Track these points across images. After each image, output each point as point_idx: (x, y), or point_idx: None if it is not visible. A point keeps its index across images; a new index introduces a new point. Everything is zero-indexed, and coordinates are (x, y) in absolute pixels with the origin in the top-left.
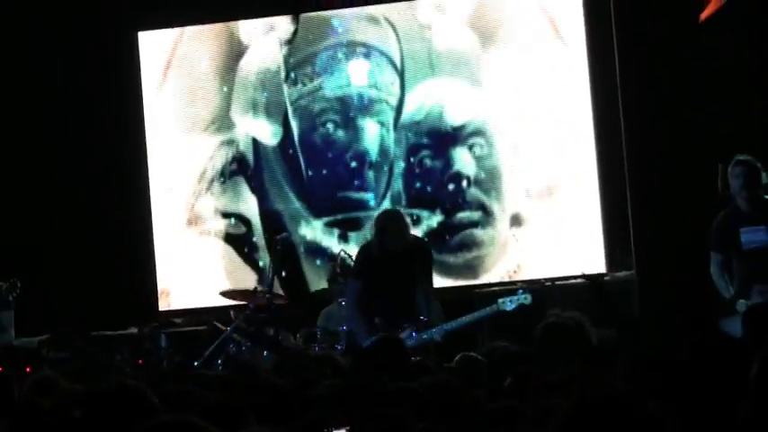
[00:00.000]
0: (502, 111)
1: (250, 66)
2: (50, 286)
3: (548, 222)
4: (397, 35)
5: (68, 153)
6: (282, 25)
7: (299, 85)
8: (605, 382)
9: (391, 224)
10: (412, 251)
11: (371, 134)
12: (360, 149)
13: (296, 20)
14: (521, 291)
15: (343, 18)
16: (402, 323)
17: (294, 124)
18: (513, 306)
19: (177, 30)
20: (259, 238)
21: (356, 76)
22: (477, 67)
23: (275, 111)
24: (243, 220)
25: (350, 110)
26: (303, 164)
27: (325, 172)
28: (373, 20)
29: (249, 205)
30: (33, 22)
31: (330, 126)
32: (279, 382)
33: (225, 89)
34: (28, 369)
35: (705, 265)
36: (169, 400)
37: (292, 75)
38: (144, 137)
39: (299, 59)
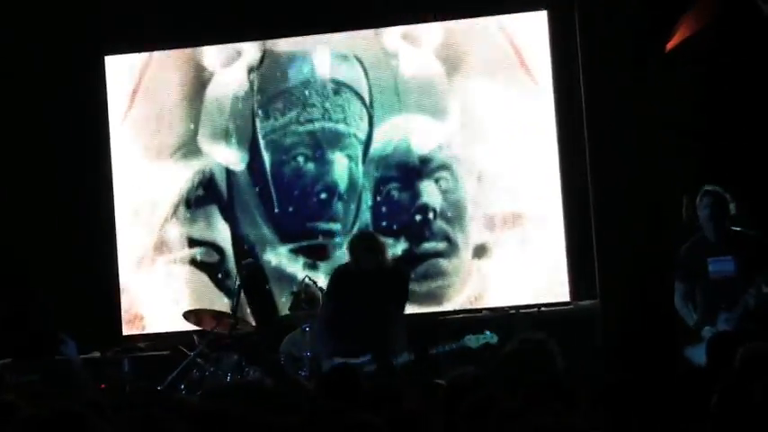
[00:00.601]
0: (467, 142)
1: (217, 92)
2: (12, 309)
3: (512, 251)
4: (365, 71)
5: (31, 178)
6: (250, 52)
7: (271, 120)
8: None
9: (366, 244)
10: (388, 275)
11: (340, 167)
12: (329, 182)
13: (263, 47)
14: (488, 332)
15: (311, 55)
16: (367, 347)
17: (265, 156)
18: (479, 344)
19: (145, 55)
20: (226, 263)
21: (326, 111)
22: (443, 98)
23: (243, 137)
24: (210, 246)
25: (319, 144)
26: (274, 194)
27: (294, 203)
28: (342, 57)
29: (217, 232)
30: None
31: (300, 159)
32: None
33: (192, 116)
34: None
35: (669, 295)
36: (131, 425)
37: (263, 109)
38: (110, 162)
39: (271, 95)
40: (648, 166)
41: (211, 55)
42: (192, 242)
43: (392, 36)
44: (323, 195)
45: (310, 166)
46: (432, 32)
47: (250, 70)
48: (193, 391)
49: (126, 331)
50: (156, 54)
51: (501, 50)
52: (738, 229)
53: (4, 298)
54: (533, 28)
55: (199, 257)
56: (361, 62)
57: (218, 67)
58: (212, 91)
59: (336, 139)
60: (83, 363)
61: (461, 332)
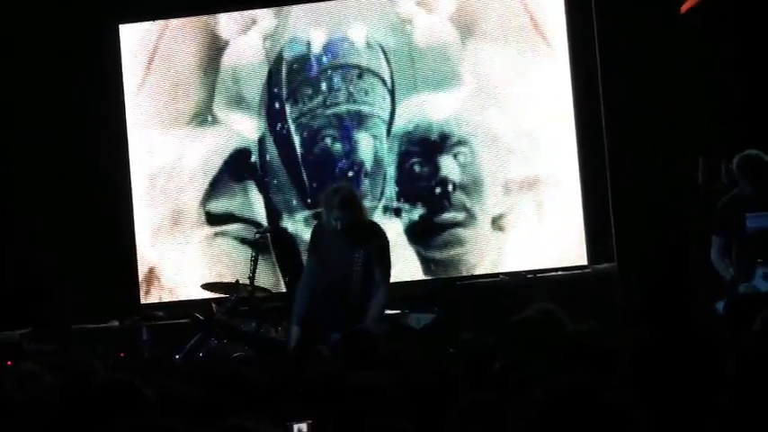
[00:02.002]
0: (482, 108)
1: (233, 61)
2: (30, 280)
3: (529, 216)
4: (386, 57)
5: (48, 147)
6: (265, 19)
7: (300, 105)
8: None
9: (339, 197)
10: (364, 233)
11: (366, 146)
12: (356, 160)
13: (278, 14)
14: (436, 309)
15: (335, 43)
16: (336, 318)
17: (296, 140)
18: (421, 324)
19: (160, 23)
20: (245, 231)
21: (350, 95)
22: (457, 64)
23: (259, 106)
24: (229, 214)
25: (346, 125)
26: (303, 173)
27: (323, 180)
28: (366, 45)
29: (236, 200)
30: (10, 13)
31: (328, 140)
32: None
33: (208, 84)
34: (9, 363)
35: (685, 256)
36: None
37: (292, 95)
38: (125, 131)
39: (298, 82)
40: (665, 128)
41: (226, 23)
42: (210, 211)
43: (407, 2)
44: (350, 173)
45: (338, 146)
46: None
47: (265, 38)
48: (211, 358)
49: (144, 300)
50: (172, 22)
51: (515, 15)
52: None
53: (23, 269)
54: None
55: (217, 226)
56: (382, 49)
57: (233, 35)
58: (228, 59)
59: (361, 120)
60: (102, 332)
61: (481, 298)
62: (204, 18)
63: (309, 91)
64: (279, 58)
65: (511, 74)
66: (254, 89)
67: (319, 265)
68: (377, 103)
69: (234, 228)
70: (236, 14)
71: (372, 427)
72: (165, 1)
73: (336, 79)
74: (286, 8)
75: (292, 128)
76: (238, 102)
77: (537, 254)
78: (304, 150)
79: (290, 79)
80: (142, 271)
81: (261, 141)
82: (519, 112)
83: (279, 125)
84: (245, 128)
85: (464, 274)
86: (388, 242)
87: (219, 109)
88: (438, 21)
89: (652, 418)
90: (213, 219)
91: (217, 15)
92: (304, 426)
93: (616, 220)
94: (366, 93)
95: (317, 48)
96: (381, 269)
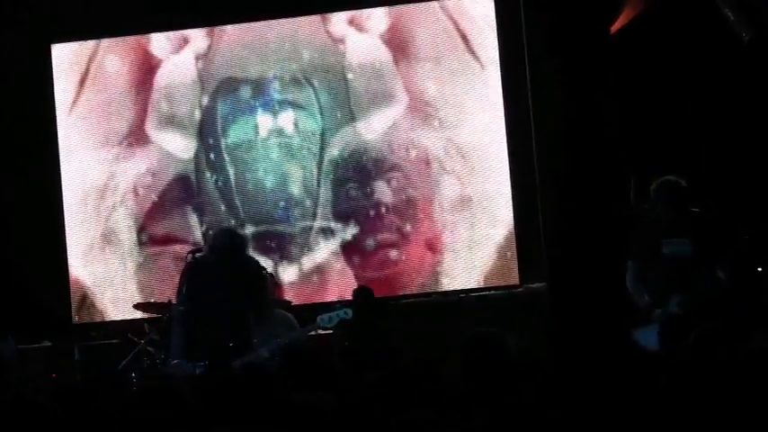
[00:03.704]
0: (416, 126)
1: (165, 80)
2: None
3: (462, 235)
4: (315, 91)
5: None
6: (197, 39)
7: (232, 135)
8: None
9: (225, 240)
10: (243, 270)
11: (297, 177)
12: (287, 190)
13: (210, 33)
14: (339, 306)
15: (264, 82)
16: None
17: (230, 169)
18: (334, 323)
19: (92, 43)
20: (174, 250)
21: (282, 130)
22: (391, 83)
23: (190, 126)
24: (161, 233)
25: (277, 157)
26: (237, 200)
27: (255, 209)
28: (294, 81)
29: (168, 219)
30: None
31: (260, 172)
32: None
33: (140, 103)
34: None
35: (618, 277)
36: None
37: (224, 122)
38: (57, 151)
39: (231, 108)
40: (595, 149)
41: (159, 42)
42: (143, 230)
43: (339, 22)
44: (282, 204)
45: (270, 178)
46: (378, 17)
47: (197, 58)
48: (144, 378)
49: (76, 320)
50: (104, 41)
51: (447, 35)
52: (696, 210)
53: None
54: (479, 12)
55: (150, 246)
56: (311, 83)
57: (166, 54)
58: (160, 78)
59: (292, 153)
60: (34, 352)
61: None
62: (137, 37)
63: (242, 121)
64: (211, 79)
65: (443, 93)
66: (186, 109)
67: (194, 303)
68: (307, 137)
69: (167, 248)
70: (169, 34)
71: None
72: (97, 20)
73: (267, 114)
74: (218, 28)
75: (226, 158)
76: (171, 121)
77: (470, 272)
78: (236, 178)
79: (223, 103)
80: (74, 290)
81: (194, 162)
82: (452, 132)
83: (212, 152)
84: (178, 147)
85: (398, 292)
86: (265, 279)
87: (152, 128)
88: (370, 40)
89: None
90: (146, 238)
91: (149, 35)
92: None
93: (546, 239)
94: (296, 125)
95: (250, 73)
96: (263, 303)
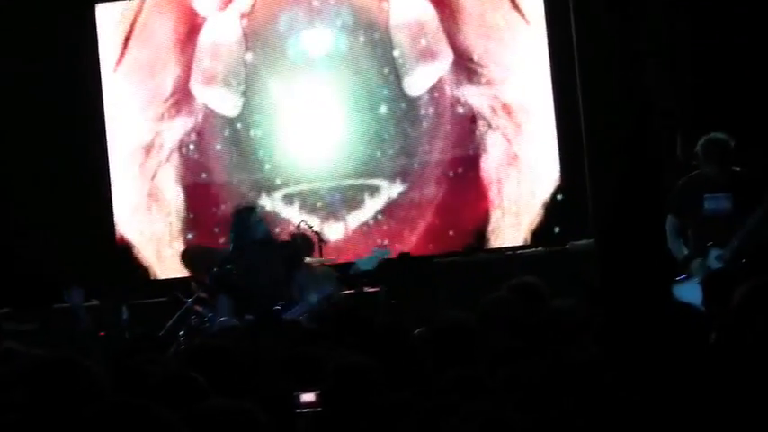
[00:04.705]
0: (463, 88)
1: (210, 38)
2: (9, 260)
3: (510, 194)
4: (359, 48)
5: (26, 129)
6: None
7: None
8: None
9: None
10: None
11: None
12: (333, 150)
13: None
14: (376, 248)
15: (308, 39)
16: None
17: (275, 128)
18: (372, 266)
19: (136, 1)
20: (219, 207)
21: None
22: (437, 43)
23: (236, 83)
24: (204, 191)
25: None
26: (282, 159)
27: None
28: (338, 38)
29: (211, 176)
30: None
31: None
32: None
33: (184, 61)
34: None
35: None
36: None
37: (268, 85)
38: (102, 110)
39: (271, 71)
40: (642, 105)
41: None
42: (187, 188)
43: None
44: (327, 162)
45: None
46: None
47: (242, 15)
48: (192, 337)
49: (124, 279)
50: (148, 0)
51: None
52: (738, 168)
53: (4, 247)
54: None
55: (194, 204)
56: (355, 40)
57: (210, 12)
58: (204, 36)
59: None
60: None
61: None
62: None
63: (287, 79)
64: (255, 37)
65: (488, 50)
66: (231, 67)
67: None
68: (351, 94)
69: (212, 207)
70: None
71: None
72: None
73: (312, 71)
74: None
75: (271, 115)
76: (216, 79)
77: (517, 231)
78: (281, 137)
79: (267, 60)
80: (121, 249)
81: (239, 120)
82: (498, 89)
83: (257, 110)
84: (222, 105)
85: (444, 251)
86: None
87: (197, 86)
88: None
89: (633, 393)
90: (191, 197)
91: None
92: (312, 396)
93: (593, 196)
94: (340, 83)
95: (294, 30)
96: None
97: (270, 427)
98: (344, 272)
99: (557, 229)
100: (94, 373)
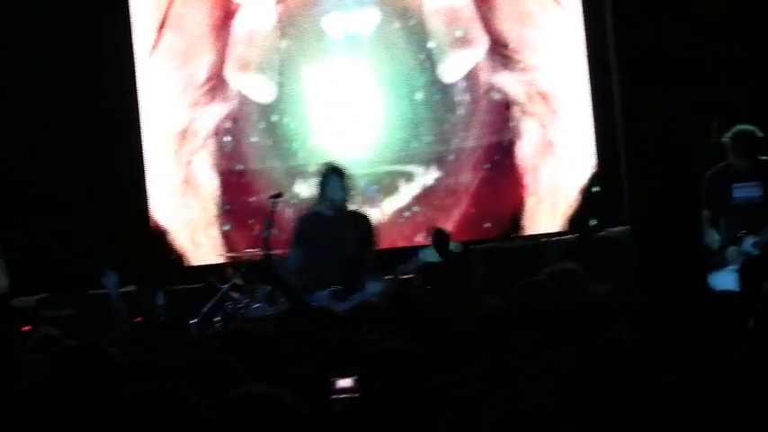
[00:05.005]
0: (498, 73)
1: (244, 24)
2: (46, 246)
3: (545, 180)
4: (394, 33)
5: (60, 113)
6: None
7: (310, 83)
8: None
9: (340, 173)
10: (353, 218)
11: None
12: (367, 135)
13: None
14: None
15: (344, 25)
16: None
17: (310, 115)
18: (436, 258)
19: None
20: (254, 195)
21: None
22: (471, 28)
23: (270, 70)
24: (239, 178)
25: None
26: (316, 145)
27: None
28: (373, 23)
29: (246, 163)
30: None
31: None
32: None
33: (219, 47)
34: (26, 328)
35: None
36: (164, 357)
37: (303, 71)
38: (137, 96)
39: (306, 58)
40: (679, 91)
41: None
42: (222, 174)
43: None
44: (361, 148)
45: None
46: None
47: (277, 2)
48: (228, 323)
49: (159, 264)
50: None
51: None
52: (765, 158)
53: (38, 236)
54: None
55: (229, 190)
56: (390, 26)
57: None
58: (239, 23)
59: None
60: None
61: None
62: None
63: (322, 65)
64: (290, 23)
65: (523, 35)
66: (265, 53)
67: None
68: (387, 80)
69: (247, 194)
70: None
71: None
72: None
73: (348, 57)
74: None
75: (306, 102)
76: (250, 66)
77: (552, 217)
78: (316, 123)
79: (302, 47)
80: (156, 235)
81: (274, 106)
82: (533, 75)
83: (292, 97)
84: (257, 92)
85: (480, 237)
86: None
87: (231, 73)
88: None
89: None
90: (226, 183)
91: None
92: (349, 381)
93: (629, 183)
94: (375, 69)
95: (329, 16)
96: (371, 252)
97: (304, 413)
98: (397, 259)
99: (593, 222)
100: (118, 361)
